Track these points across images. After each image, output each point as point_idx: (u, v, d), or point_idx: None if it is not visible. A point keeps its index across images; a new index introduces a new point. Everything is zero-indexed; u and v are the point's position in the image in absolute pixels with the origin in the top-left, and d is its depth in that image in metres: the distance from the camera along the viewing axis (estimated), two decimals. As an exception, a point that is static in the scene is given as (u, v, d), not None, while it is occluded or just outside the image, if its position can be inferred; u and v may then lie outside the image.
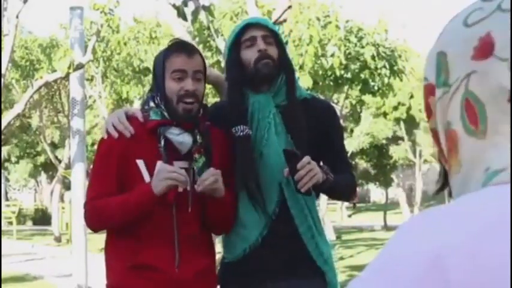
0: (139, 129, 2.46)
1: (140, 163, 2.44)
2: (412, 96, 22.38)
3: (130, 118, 2.49)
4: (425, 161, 27.88)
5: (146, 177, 2.43)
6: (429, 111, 0.79)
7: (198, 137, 2.48)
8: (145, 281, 2.44)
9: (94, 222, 2.50)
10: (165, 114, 2.46)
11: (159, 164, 2.40)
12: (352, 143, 22.27)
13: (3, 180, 34.76)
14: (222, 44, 5.56)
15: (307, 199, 2.55)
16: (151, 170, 2.43)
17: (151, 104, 2.49)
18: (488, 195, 0.69)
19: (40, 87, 9.11)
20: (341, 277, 10.45)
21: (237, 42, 2.58)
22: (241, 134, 2.55)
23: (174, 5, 5.20)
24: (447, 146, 0.76)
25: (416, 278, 0.64)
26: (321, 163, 2.55)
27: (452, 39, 0.77)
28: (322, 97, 13.27)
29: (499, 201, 0.68)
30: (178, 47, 2.49)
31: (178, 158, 2.46)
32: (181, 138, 2.43)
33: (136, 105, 15.48)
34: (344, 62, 12.48)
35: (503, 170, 0.71)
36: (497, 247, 0.64)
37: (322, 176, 2.42)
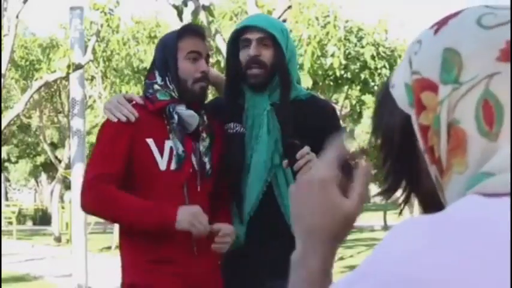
0: (142, 112, 2.49)
1: (150, 142, 2.46)
2: (412, 96, 22.38)
3: (129, 102, 2.52)
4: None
5: (157, 155, 2.46)
6: (421, 106, 0.77)
7: (204, 117, 2.55)
8: (166, 276, 2.45)
9: (95, 206, 2.44)
10: (173, 94, 2.50)
11: (196, 208, 2.41)
12: (352, 143, 22.26)
13: (3, 180, 34.78)
14: (222, 44, 5.56)
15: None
16: (160, 149, 2.47)
17: (156, 86, 2.52)
18: (474, 206, 0.68)
19: (40, 88, 9.11)
20: (341, 277, 10.43)
21: (236, 41, 2.60)
22: (233, 131, 2.59)
23: (174, 5, 5.20)
24: (450, 144, 0.75)
25: (392, 284, 0.64)
26: None
27: (465, 38, 0.75)
28: (322, 97, 13.29)
29: (479, 211, 0.67)
30: (193, 29, 2.58)
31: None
32: (191, 113, 2.49)
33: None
34: (344, 62, 12.49)
35: (491, 173, 0.70)
36: (471, 258, 0.63)
37: None
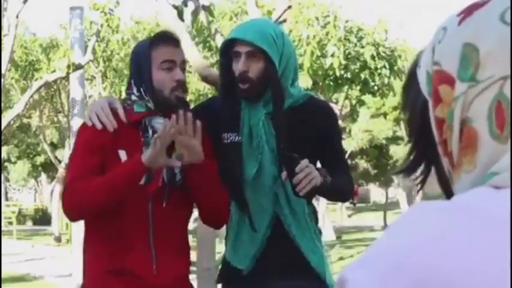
0: (119, 122, 2.42)
1: (122, 154, 2.40)
2: (412, 96, 22.29)
3: (112, 111, 2.45)
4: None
5: None
6: (438, 99, 0.76)
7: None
8: (123, 286, 2.42)
9: (74, 205, 2.37)
10: (149, 105, 2.44)
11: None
12: (351, 143, 22.27)
13: (3, 180, 34.76)
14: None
15: (296, 204, 2.56)
16: None
17: (133, 97, 2.46)
18: (486, 196, 0.68)
19: (40, 88, 9.11)
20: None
21: (227, 52, 2.55)
22: (228, 141, 2.56)
23: (174, 5, 5.19)
24: (462, 142, 0.74)
25: (400, 271, 0.64)
26: (318, 165, 2.55)
27: (486, 34, 0.73)
28: (322, 97, 13.25)
29: (492, 203, 0.67)
30: (165, 37, 2.49)
31: None
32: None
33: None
34: (344, 62, 12.48)
35: (498, 173, 0.70)
36: (479, 246, 0.63)
37: (320, 179, 2.42)
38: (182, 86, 2.44)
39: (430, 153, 0.80)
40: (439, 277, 0.62)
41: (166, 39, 2.48)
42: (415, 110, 0.80)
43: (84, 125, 2.47)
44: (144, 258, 2.42)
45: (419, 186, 0.84)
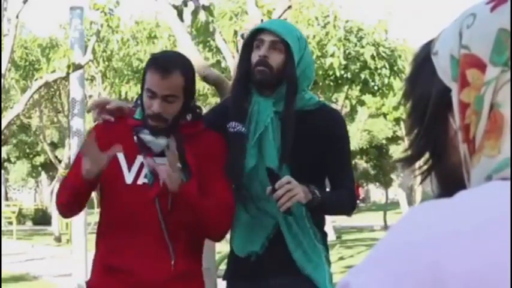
0: (122, 124, 2.53)
1: (120, 154, 2.46)
2: (412, 96, 22.23)
3: (124, 114, 2.57)
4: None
5: (125, 169, 2.48)
6: (465, 83, 0.74)
7: (172, 143, 2.42)
8: (118, 282, 2.47)
9: (58, 202, 2.60)
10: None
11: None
12: (351, 143, 22.24)
13: (3, 181, 34.76)
14: (221, 44, 5.55)
15: (296, 207, 2.55)
16: (129, 163, 2.48)
17: (139, 102, 2.55)
18: (491, 190, 0.68)
19: (40, 87, 9.11)
20: (341, 277, 10.41)
21: (249, 43, 2.59)
22: (233, 130, 2.58)
23: (174, 5, 5.20)
24: (487, 127, 0.73)
25: (410, 270, 0.64)
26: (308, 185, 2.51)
27: None
28: (322, 97, 13.25)
29: (500, 197, 0.66)
30: (157, 65, 2.44)
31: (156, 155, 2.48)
32: (150, 138, 2.45)
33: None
34: (344, 62, 12.49)
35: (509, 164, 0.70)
36: (492, 243, 0.63)
37: (305, 196, 2.40)
38: (156, 117, 2.42)
39: (437, 143, 0.79)
40: (457, 275, 0.62)
41: (156, 67, 2.43)
42: (428, 97, 0.78)
43: (91, 129, 2.60)
44: (141, 249, 2.45)
45: (422, 176, 0.81)
